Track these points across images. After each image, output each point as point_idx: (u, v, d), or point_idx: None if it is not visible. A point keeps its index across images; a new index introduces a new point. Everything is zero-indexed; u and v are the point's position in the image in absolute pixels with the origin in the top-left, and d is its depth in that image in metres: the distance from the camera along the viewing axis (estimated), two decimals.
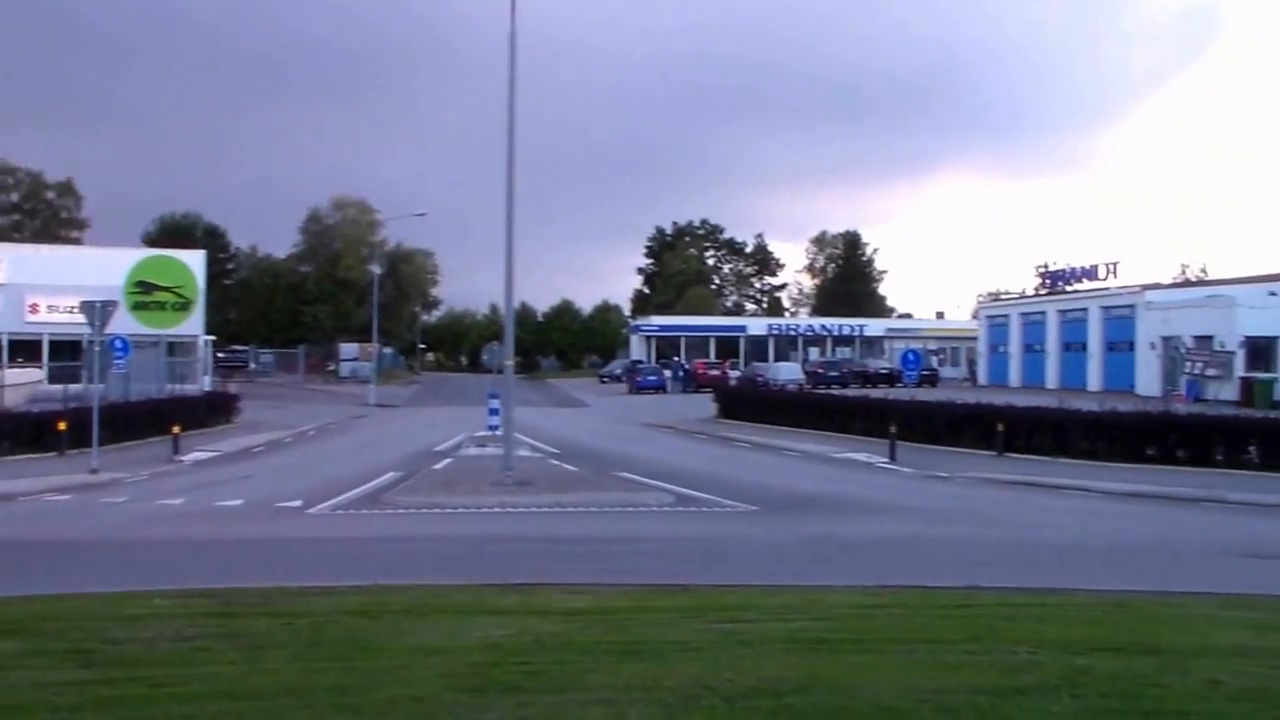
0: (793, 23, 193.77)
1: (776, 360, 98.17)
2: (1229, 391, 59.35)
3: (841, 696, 8.50)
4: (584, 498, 26.32)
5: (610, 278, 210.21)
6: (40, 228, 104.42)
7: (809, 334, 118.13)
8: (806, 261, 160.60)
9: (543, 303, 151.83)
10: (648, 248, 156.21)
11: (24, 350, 63.28)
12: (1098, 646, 10.38)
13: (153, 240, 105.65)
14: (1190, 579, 16.02)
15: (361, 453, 39.38)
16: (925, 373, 76.41)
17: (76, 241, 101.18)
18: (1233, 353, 61.93)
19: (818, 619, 11.91)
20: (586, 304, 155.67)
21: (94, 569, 16.77)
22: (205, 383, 65.16)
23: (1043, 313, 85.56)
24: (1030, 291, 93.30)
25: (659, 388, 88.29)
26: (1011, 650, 10.18)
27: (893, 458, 35.90)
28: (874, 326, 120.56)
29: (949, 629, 11.34)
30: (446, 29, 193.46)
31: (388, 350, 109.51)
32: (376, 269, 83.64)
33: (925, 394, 55.11)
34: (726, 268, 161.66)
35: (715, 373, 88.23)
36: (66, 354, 54.27)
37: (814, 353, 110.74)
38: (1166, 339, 67.72)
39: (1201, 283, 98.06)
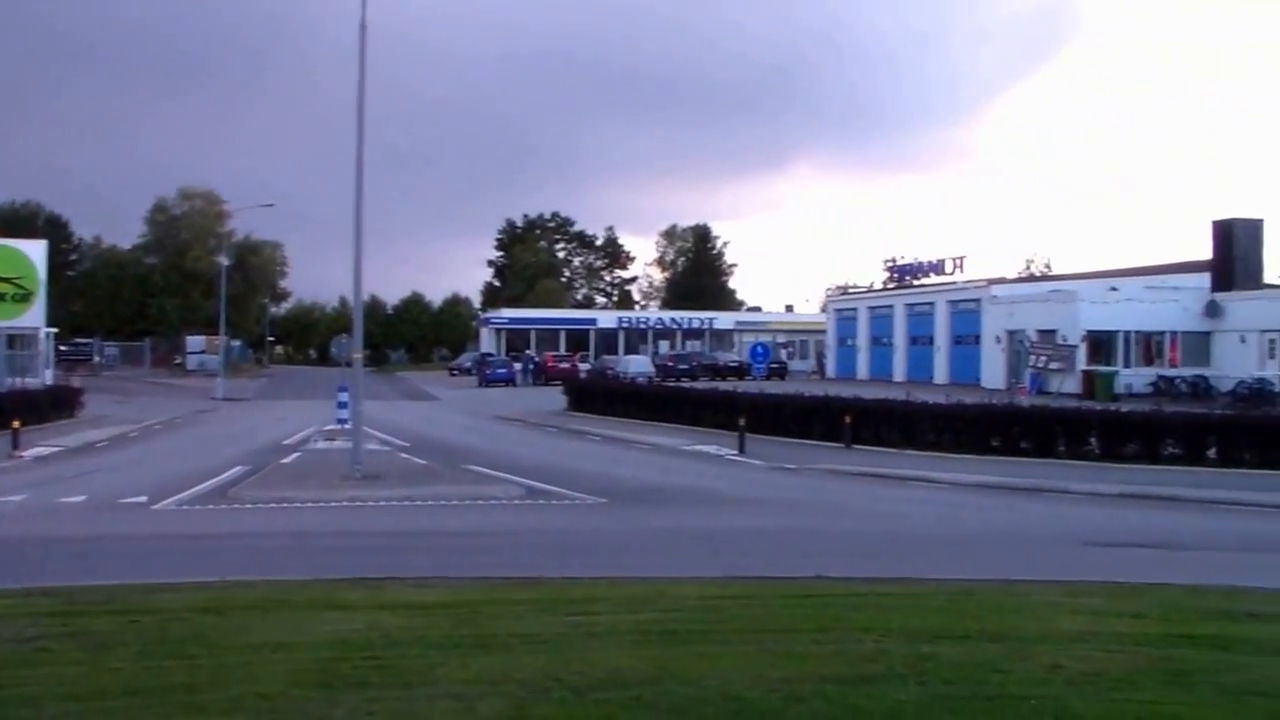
0: (646, 15, 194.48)
1: (627, 353, 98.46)
2: (1071, 384, 60.56)
3: (691, 687, 8.58)
4: (434, 491, 26.18)
5: (460, 270, 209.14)
6: None
7: (659, 327, 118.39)
8: (657, 255, 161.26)
9: (392, 295, 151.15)
10: (498, 240, 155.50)
11: None
12: (943, 634, 10.57)
13: None
14: (1033, 567, 16.38)
15: (208, 447, 38.77)
16: (774, 365, 77.27)
17: None
18: (1075, 346, 63.21)
19: (666, 610, 11.98)
20: (436, 296, 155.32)
21: None
22: (47, 376, 63.50)
23: (890, 307, 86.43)
24: (878, 285, 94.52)
25: (509, 380, 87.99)
26: (858, 639, 10.32)
27: (742, 450, 36.19)
28: (724, 320, 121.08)
29: (796, 619, 11.47)
30: (296, 18, 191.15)
31: (236, 343, 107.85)
32: (224, 260, 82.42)
33: (774, 387, 55.83)
34: (577, 260, 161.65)
35: (565, 366, 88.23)
36: None
37: (664, 346, 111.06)
38: (1011, 333, 69.17)
39: (1045, 278, 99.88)
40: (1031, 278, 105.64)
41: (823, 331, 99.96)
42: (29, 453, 35.50)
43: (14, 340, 62.02)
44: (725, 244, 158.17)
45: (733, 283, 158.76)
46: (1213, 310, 65.40)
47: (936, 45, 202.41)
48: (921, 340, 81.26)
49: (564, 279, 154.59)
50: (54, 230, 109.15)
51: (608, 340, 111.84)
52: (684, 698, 8.32)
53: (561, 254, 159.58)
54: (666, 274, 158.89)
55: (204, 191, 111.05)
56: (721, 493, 27.33)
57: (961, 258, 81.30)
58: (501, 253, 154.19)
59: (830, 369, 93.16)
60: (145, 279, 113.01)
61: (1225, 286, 66.42)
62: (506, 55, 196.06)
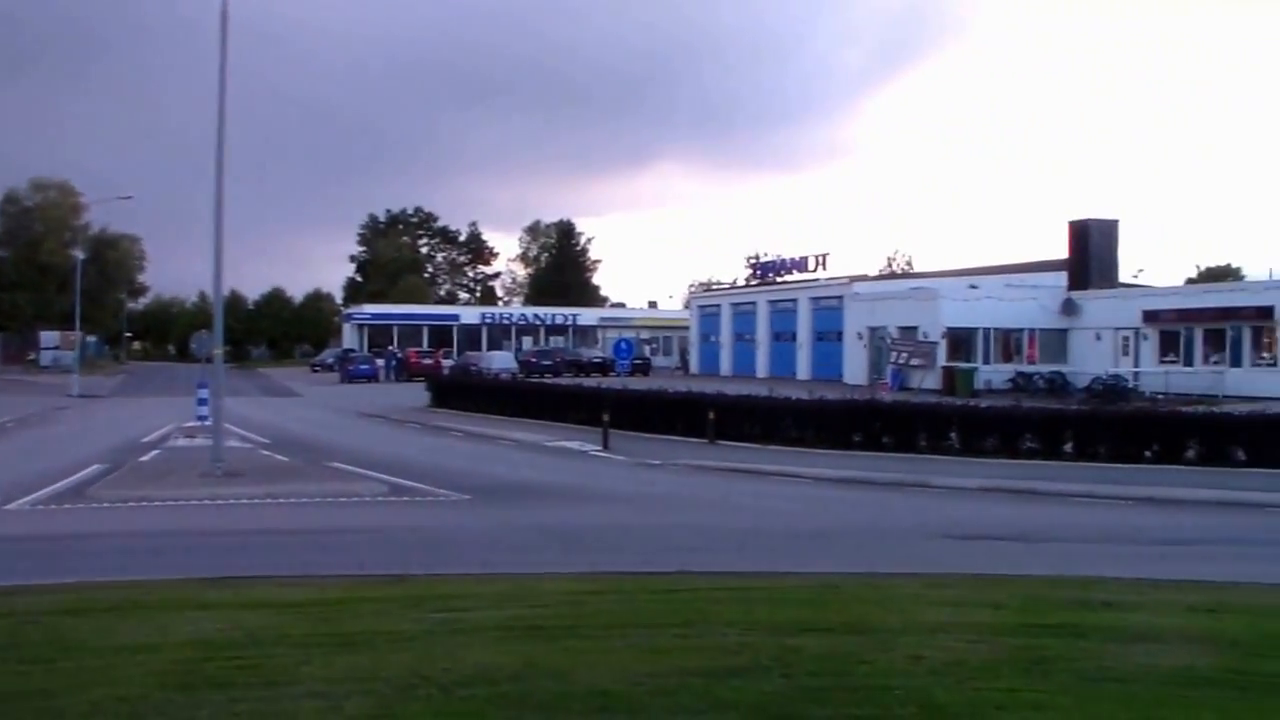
0: (511, 9, 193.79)
1: (490, 349, 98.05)
2: (932, 380, 61.36)
3: (558, 683, 8.60)
4: (296, 488, 25.89)
5: (323, 265, 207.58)
6: None
7: (523, 323, 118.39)
8: (520, 251, 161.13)
9: (254, 290, 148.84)
10: (360, 235, 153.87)
11: None
12: (807, 627, 10.70)
13: None
14: (896, 560, 16.62)
15: (64, 445, 37.97)
16: (638, 362, 77.58)
17: None
18: (935, 343, 64.11)
19: (532, 606, 12.00)
20: (298, 292, 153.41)
21: None
22: None
23: (753, 303, 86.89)
24: (741, 282, 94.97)
25: (371, 377, 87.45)
26: (723, 633, 10.41)
27: (606, 446, 36.26)
28: (587, 316, 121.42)
29: (661, 613, 11.55)
30: (157, 5, 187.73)
31: (92, 339, 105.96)
32: (80, 254, 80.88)
33: (638, 383, 56.03)
34: (440, 256, 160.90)
35: (428, 362, 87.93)
36: None
37: (527, 342, 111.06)
38: (873, 329, 69.92)
39: (907, 276, 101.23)
40: (893, 275, 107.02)
41: (686, 328, 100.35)
42: None
43: None
44: (589, 240, 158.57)
45: (597, 279, 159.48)
46: (1069, 308, 66.84)
47: (800, 45, 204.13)
48: (784, 336, 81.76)
49: (427, 274, 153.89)
50: None
51: (471, 336, 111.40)
52: (551, 693, 8.34)
53: (425, 249, 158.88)
54: (530, 270, 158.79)
55: (58, 183, 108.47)
56: (586, 488, 27.38)
57: (824, 255, 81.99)
58: (364, 248, 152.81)
59: (694, 365, 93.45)
60: None
61: (1081, 285, 67.96)
62: (370, 52, 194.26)
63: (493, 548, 18.60)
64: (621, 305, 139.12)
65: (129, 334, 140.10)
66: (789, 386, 51.62)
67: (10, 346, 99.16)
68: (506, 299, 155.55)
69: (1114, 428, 32.71)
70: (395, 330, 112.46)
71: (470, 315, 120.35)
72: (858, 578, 14.45)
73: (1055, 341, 67.00)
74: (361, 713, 7.89)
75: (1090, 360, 62.86)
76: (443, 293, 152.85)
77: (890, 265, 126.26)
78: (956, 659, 9.47)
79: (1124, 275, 73.42)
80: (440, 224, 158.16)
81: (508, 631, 10.55)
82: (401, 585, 13.61)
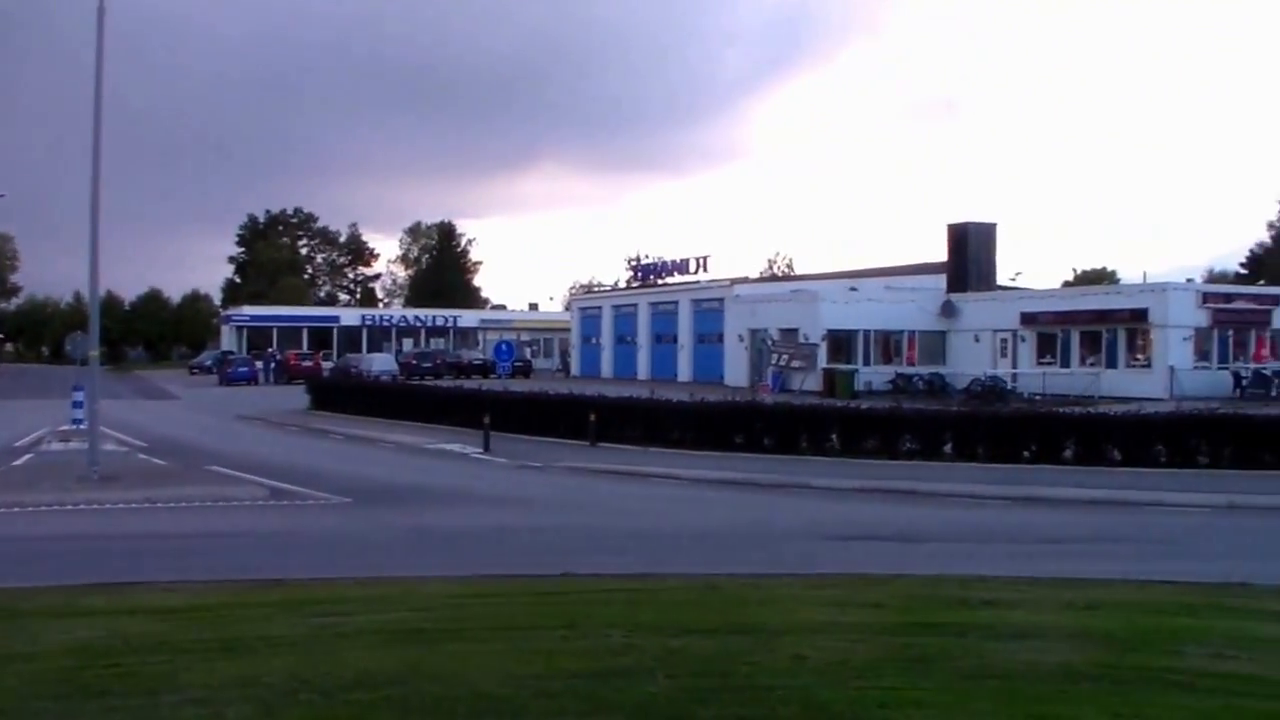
0: (392, 11, 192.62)
1: (370, 351, 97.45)
2: (812, 382, 61.81)
3: (441, 686, 8.61)
4: (175, 492, 25.59)
5: (201, 266, 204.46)
6: None
7: (403, 325, 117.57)
8: (400, 252, 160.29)
9: (130, 291, 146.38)
10: (239, 236, 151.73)
11: None
12: (691, 628, 10.77)
13: None
14: (778, 561, 16.76)
15: None
16: (518, 364, 77.24)
17: None
18: (816, 345, 64.57)
19: (414, 610, 12.00)
20: (176, 293, 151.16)
21: None
22: None
23: (634, 305, 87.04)
24: (623, 285, 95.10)
25: (251, 379, 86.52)
26: (607, 634, 10.46)
27: (487, 448, 36.19)
28: (468, 318, 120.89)
29: (544, 616, 11.58)
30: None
31: None
32: None
33: (519, 385, 55.94)
34: (320, 257, 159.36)
35: (308, 364, 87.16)
36: None
37: (408, 344, 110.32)
38: (754, 331, 70.18)
39: (787, 278, 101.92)
40: (774, 278, 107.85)
41: (567, 330, 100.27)
42: None
43: None
44: (470, 242, 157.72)
45: (477, 281, 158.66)
46: (948, 310, 67.74)
47: (681, 48, 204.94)
48: (665, 339, 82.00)
49: (307, 276, 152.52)
50: None
51: (351, 338, 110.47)
52: (434, 697, 8.34)
53: (304, 251, 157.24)
54: (410, 271, 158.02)
55: None
56: (467, 491, 27.37)
57: (705, 257, 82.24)
58: (243, 249, 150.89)
59: (575, 367, 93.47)
60: None
61: (960, 288, 68.88)
62: (248, 52, 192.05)
63: (374, 551, 18.58)
64: (503, 307, 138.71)
65: (1, 336, 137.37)
66: (670, 389, 51.76)
67: None
68: (387, 301, 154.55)
69: (992, 428, 33.09)
70: (275, 332, 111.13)
71: (350, 317, 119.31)
72: (740, 579, 14.53)
73: (935, 343, 67.89)
74: (243, 718, 7.86)
75: (969, 362, 63.66)
76: (323, 294, 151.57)
77: (771, 268, 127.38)
78: (839, 658, 9.59)
79: (1002, 278, 74.38)
80: (320, 225, 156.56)
81: (389, 635, 10.53)
82: (281, 590, 13.54)
